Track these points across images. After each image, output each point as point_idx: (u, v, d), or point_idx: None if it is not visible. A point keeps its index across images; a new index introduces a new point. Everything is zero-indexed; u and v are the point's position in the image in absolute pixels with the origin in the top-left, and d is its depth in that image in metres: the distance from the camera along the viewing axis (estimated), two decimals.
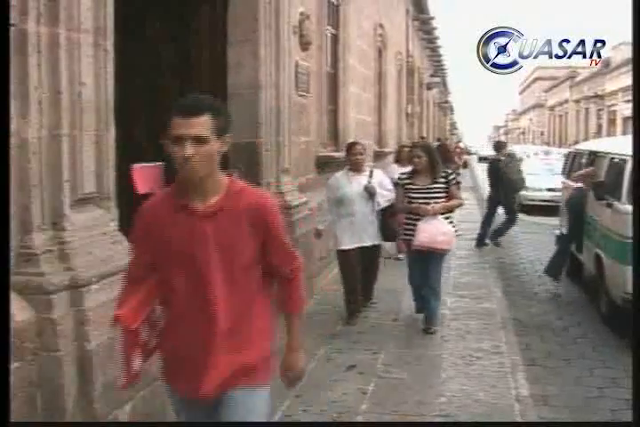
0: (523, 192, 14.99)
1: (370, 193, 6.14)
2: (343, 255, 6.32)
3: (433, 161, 5.92)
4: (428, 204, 5.77)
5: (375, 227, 6.25)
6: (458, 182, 6.09)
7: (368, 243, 6.24)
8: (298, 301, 2.61)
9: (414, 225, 5.83)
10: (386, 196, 6.23)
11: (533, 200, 14.86)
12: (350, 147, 6.46)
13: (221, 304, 2.36)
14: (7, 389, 2.65)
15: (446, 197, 5.87)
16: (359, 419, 4.17)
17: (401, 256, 7.55)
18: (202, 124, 2.27)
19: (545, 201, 14.77)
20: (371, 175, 6.26)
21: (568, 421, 4.44)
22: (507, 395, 4.59)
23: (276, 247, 2.48)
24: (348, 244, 6.21)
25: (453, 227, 5.98)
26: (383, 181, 6.37)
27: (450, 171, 6.16)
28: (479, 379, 4.87)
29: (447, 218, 5.91)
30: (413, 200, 5.89)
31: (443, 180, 5.89)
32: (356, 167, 6.28)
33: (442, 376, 4.93)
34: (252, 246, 2.41)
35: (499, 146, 11.94)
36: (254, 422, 2.41)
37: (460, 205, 6.31)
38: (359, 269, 6.30)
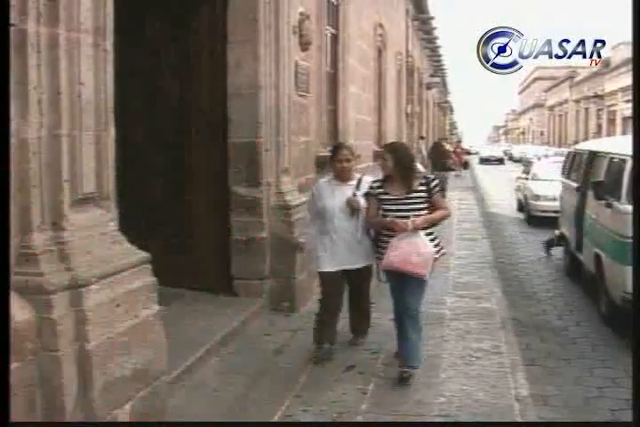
0: (532, 201, 13.93)
1: (352, 207, 5.09)
2: (323, 279, 5.31)
3: (400, 165, 4.79)
4: (406, 217, 4.65)
5: (365, 246, 5.13)
6: (442, 189, 4.72)
7: (352, 266, 5.19)
8: None
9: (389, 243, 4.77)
10: None
11: (545, 211, 12.72)
12: (335, 151, 5.32)
13: None
14: (7, 389, 2.66)
15: (428, 207, 4.78)
16: (359, 419, 4.16)
17: None
18: None
19: (557, 212, 11.10)
20: (358, 186, 5.15)
21: (568, 421, 4.44)
22: (506, 395, 4.59)
23: None
24: (328, 266, 5.20)
25: (436, 246, 4.83)
26: None
27: (431, 176, 5.11)
28: (479, 379, 4.87)
29: (430, 234, 4.81)
30: (388, 213, 4.76)
31: (423, 187, 4.78)
32: (340, 176, 5.22)
33: (441, 376, 4.92)
34: None
35: None
36: (254, 422, 2.39)
37: (446, 217, 5.11)
38: (340, 299, 5.38)
